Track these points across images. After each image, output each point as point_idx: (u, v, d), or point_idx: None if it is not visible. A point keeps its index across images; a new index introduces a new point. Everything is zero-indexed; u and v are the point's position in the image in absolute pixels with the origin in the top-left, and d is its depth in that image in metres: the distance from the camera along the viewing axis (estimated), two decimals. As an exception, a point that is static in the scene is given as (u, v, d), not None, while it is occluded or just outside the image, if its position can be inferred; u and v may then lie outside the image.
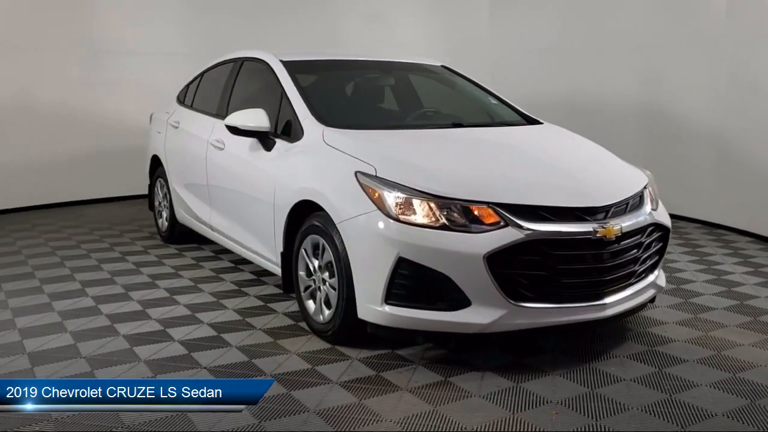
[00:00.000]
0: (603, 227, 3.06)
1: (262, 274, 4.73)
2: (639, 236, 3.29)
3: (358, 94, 4.48)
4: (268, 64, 4.36)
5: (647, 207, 3.43)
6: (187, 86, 5.70)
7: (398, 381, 3.00)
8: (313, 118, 3.76)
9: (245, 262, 5.05)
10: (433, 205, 3.01)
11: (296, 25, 8.55)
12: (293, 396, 2.86)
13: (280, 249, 3.79)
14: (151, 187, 6.07)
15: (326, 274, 3.41)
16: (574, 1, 7.80)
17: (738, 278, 4.66)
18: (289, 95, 3.98)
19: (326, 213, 3.35)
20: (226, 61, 5.12)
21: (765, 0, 5.92)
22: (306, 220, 3.55)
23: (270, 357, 3.27)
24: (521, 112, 4.45)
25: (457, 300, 2.98)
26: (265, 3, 8.43)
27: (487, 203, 3.00)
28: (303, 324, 3.72)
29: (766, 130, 5.92)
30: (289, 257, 3.75)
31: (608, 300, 3.16)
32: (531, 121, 4.35)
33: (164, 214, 5.78)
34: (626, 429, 2.58)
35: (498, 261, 2.93)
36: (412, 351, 3.34)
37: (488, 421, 2.64)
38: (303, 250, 3.58)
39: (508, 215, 2.97)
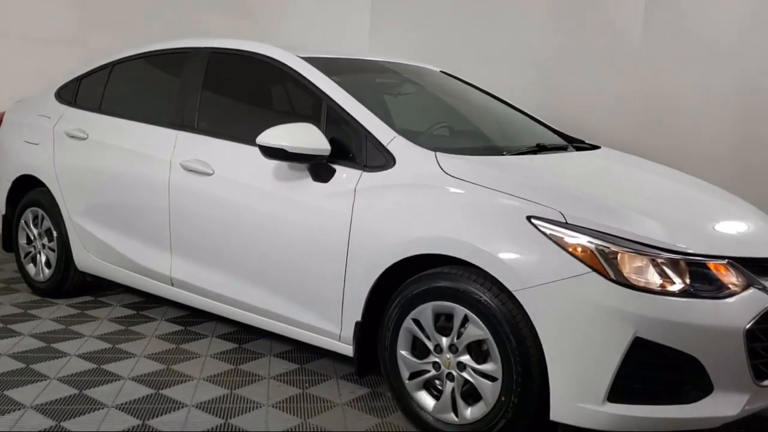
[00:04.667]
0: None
1: (213, 337, 3.53)
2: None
3: (412, 107, 3.51)
4: (279, 61, 3.19)
5: None
6: (78, 82, 4.14)
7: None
8: (404, 140, 2.75)
9: (190, 321, 3.75)
10: (667, 262, 2.27)
11: (146, 12, 7.04)
12: None
13: (357, 318, 2.73)
14: (11, 219, 4.35)
15: (465, 357, 2.48)
16: (469, 18, 7.40)
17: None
18: (346, 108, 2.89)
19: (465, 272, 2.44)
20: (165, 51, 3.76)
21: (680, 25, 6.06)
22: (415, 280, 2.57)
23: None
24: (558, 131, 3.83)
25: (699, 388, 2.28)
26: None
27: (727, 258, 2.34)
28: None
29: (680, 145, 6.06)
30: (371, 330, 2.73)
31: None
32: (570, 140, 3.73)
33: (42, 258, 4.15)
34: None
35: (750, 334, 2.30)
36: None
37: None
38: (411, 322, 2.58)
39: (749, 273, 2.35)
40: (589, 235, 2.28)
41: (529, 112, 3.93)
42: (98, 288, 4.28)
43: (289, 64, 3.14)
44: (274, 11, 7.82)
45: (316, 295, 2.87)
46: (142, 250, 3.55)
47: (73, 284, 4.09)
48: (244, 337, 3.60)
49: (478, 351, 2.46)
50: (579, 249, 2.27)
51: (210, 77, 3.45)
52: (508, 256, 2.35)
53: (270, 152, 2.80)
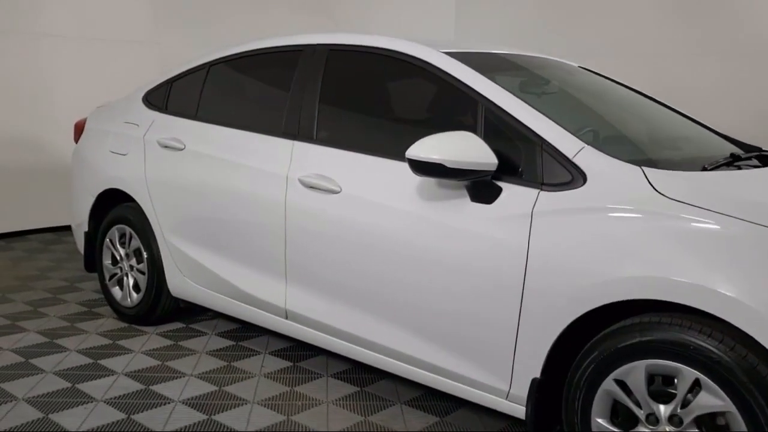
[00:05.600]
0: None
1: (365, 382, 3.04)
2: None
3: (560, 108, 2.95)
4: (418, 58, 2.67)
5: None
6: (169, 85, 3.71)
7: None
8: (597, 152, 2.21)
9: (299, 354, 3.28)
10: None
11: (219, 11, 6.67)
12: None
13: (534, 374, 2.21)
14: (94, 236, 3.95)
15: None
16: (564, 4, 6.79)
17: None
18: (514, 113, 2.36)
19: (693, 322, 1.89)
20: (271, 50, 3.28)
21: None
22: (619, 330, 2.03)
23: None
24: (727, 136, 3.24)
25: None
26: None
27: None
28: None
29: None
30: (553, 389, 2.21)
31: None
32: (745, 147, 3.13)
33: (130, 281, 3.74)
34: None
35: None
36: None
37: None
38: (613, 384, 2.05)
39: None
40: None
41: (690, 114, 3.35)
42: (187, 312, 3.86)
43: (433, 62, 2.63)
44: (352, 7, 7.37)
45: (475, 343, 2.36)
46: (251, 277, 3.09)
47: (164, 311, 3.67)
48: (366, 377, 3.11)
49: (711, 425, 1.92)
50: None
51: (329, 78, 2.96)
52: (766, 307, 1.79)
53: (423, 167, 2.30)
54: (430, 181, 2.44)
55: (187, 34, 6.53)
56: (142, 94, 3.84)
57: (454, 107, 2.63)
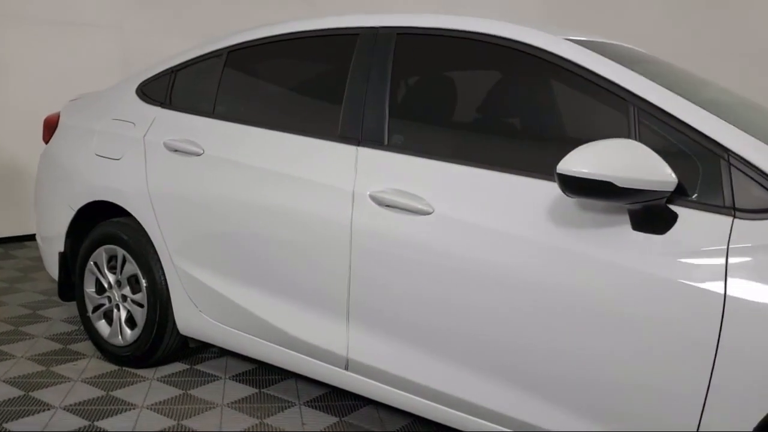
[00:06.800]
0: None
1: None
2: None
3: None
4: (536, 47, 2.10)
5: None
6: (172, 75, 3.03)
7: None
8: (810, 169, 1.72)
9: (344, 405, 2.68)
10: None
11: None
12: None
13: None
14: (71, 257, 3.24)
15: None
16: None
17: None
18: (682, 117, 1.83)
19: None
20: (314, 33, 2.65)
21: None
22: None
23: None
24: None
25: None
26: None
27: None
28: None
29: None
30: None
31: None
32: None
33: (122, 314, 3.04)
34: None
35: None
36: None
37: None
38: None
39: None
40: None
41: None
42: (186, 349, 3.21)
43: (561, 54, 2.06)
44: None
45: (633, 412, 1.82)
46: (297, 317, 2.46)
47: (167, 351, 3.00)
48: (435, 436, 2.55)
49: None
50: None
51: (402, 70, 2.37)
52: None
53: (580, 186, 1.74)
54: (568, 203, 1.90)
55: (153, 17, 5.79)
56: (135, 85, 3.15)
57: (591, 109, 2.08)
